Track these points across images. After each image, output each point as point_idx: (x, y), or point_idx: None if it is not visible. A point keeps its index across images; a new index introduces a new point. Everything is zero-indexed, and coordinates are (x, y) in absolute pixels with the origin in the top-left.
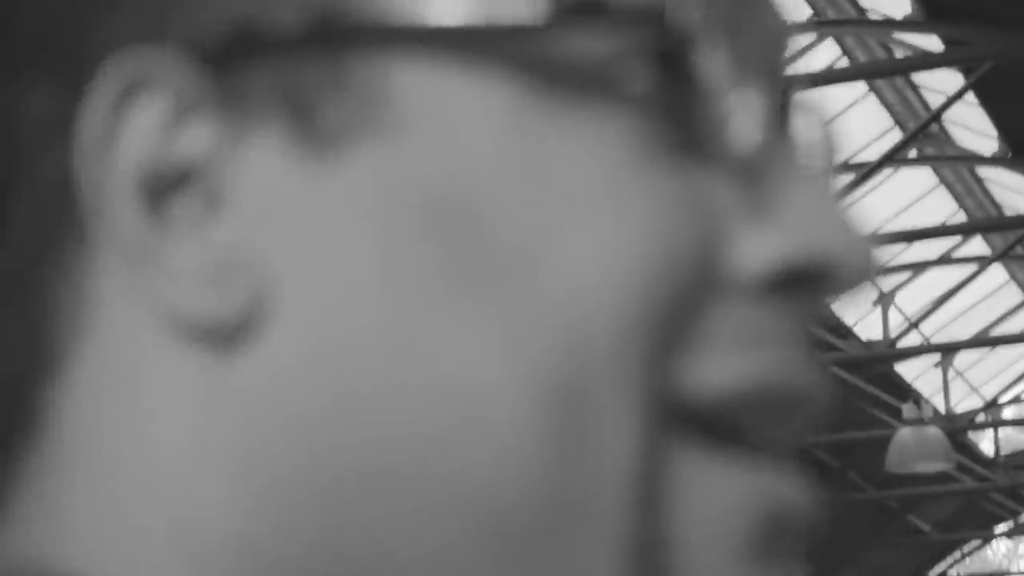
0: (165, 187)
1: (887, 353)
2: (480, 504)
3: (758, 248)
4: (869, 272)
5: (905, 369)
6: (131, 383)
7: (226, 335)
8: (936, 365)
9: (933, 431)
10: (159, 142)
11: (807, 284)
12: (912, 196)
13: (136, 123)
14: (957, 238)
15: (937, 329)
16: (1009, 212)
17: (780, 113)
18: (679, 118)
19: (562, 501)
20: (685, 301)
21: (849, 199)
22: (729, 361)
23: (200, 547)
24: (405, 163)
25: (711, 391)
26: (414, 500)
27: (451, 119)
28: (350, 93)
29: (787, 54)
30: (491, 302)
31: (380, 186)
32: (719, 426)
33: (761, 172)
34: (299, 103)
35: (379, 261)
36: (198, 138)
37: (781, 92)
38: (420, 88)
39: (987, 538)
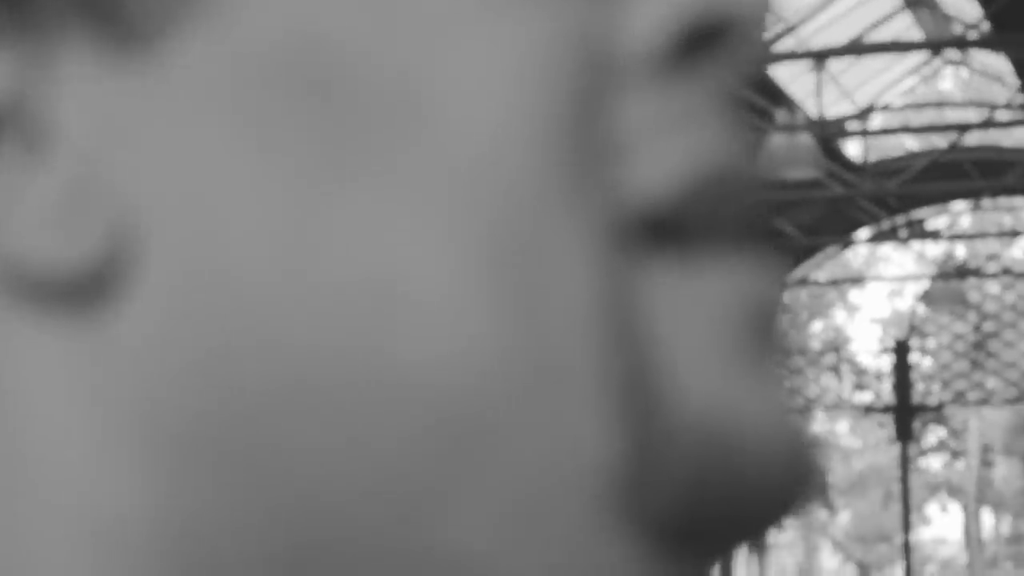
0: None
1: (762, 56)
2: (435, 399)
3: (648, 14)
4: (761, 19)
5: (780, 73)
6: None
7: (88, 285)
8: (811, 71)
9: (804, 138)
10: None
11: (713, 40)
12: None
13: None
14: None
15: (813, 33)
16: None
17: None
18: None
19: (530, 367)
20: (595, 98)
21: None
22: (663, 154)
23: (112, 534)
24: (239, 31)
25: (656, 191)
26: (355, 413)
27: None
28: None
29: None
30: (385, 163)
31: (219, 66)
32: (675, 227)
33: None
34: (95, 3)
35: (243, 152)
36: None
37: None
38: None
39: (847, 243)
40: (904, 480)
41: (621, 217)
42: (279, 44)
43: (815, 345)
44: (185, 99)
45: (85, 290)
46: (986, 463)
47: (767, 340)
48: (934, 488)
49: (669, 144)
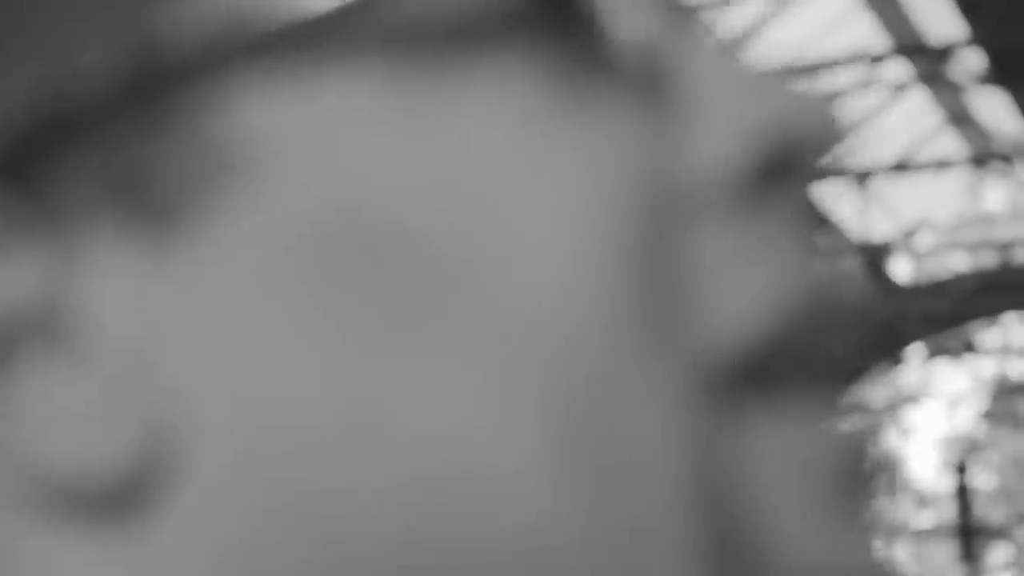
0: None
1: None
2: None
3: (716, 146)
4: (834, 126)
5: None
6: None
7: (126, 493)
8: (854, 190)
9: (849, 263)
10: None
11: (784, 167)
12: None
13: None
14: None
15: (857, 152)
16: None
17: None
18: (571, 45)
19: (615, 536)
20: (667, 239)
21: (764, 25)
22: (745, 290)
23: None
24: (277, 206)
25: (741, 331)
26: None
27: (315, 135)
28: (179, 148)
29: None
30: (451, 331)
31: (255, 240)
32: (762, 369)
33: (663, 68)
34: (123, 185)
35: (289, 326)
36: (21, 272)
37: None
38: (265, 112)
39: (898, 362)
40: None
41: (706, 363)
42: (319, 214)
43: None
44: (221, 278)
45: (123, 499)
46: None
47: (859, 483)
48: None
49: (750, 279)
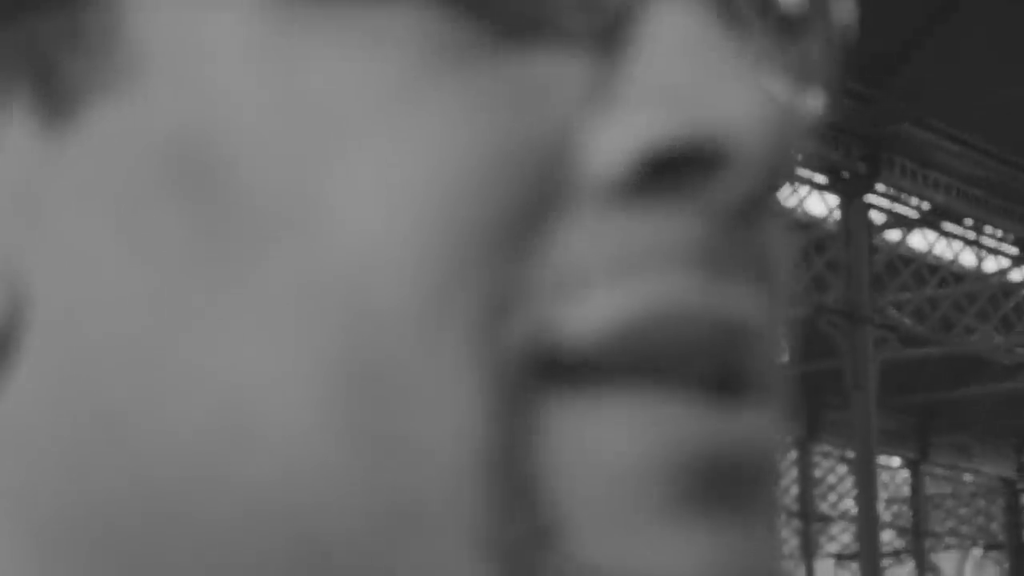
0: None
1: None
2: (281, 523)
3: (614, 136)
4: (772, 146)
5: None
6: None
7: None
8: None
9: None
10: None
11: (689, 174)
12: None
13: None
14: None
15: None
16: None
17: None
18: None
19: (390, 506)
20: (514, 225)
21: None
22: (599, 295)
23: None
24: (142, 114)
25: (579, 336)
26: (190, 537)
27: (190, 54)
28: (84, 40)
29: None
30: (255, 275)
31: (116, 151)
32: (603, 369)
33: (627, 41)
34: (38, 63)
35: (123, 241)
36: None
37: None
38: (155, 20)
39: None
40: None
41: (535, 354)
42: (173, 135)
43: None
44: (85, 170)
45: None
46: None
47: (715, 490)
48: None
49: (609, 286)
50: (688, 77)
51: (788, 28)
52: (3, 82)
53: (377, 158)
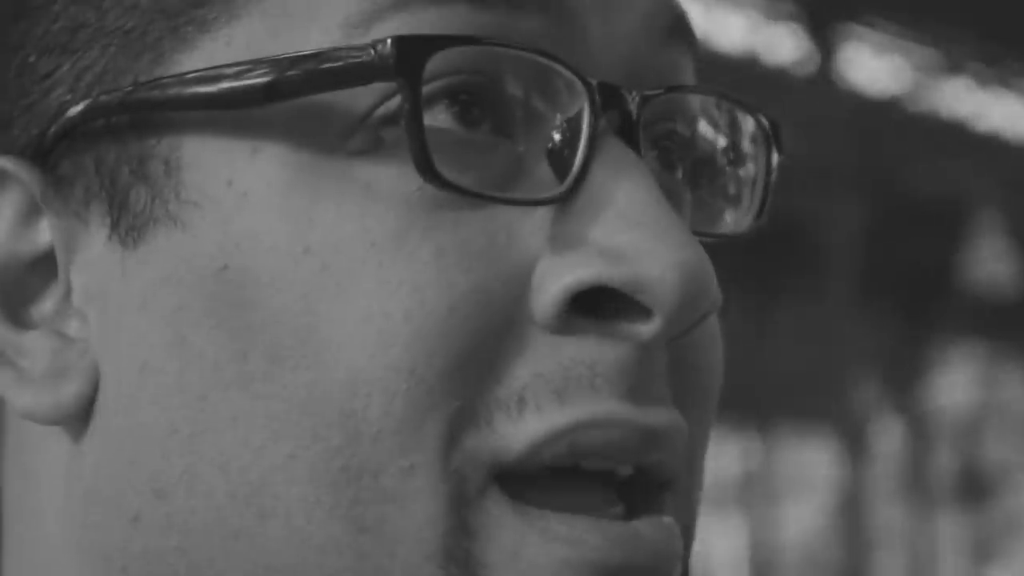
0: (27, 282)
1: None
2: None
3: (556, 275)
4: (692, 301)
5: None
6: (27, 470)
7: (69, 425)
8: None
9: None
10: (16, 238)
11: (623, 316)
12: None
13: None
14: None
15: None
16: None
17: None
18: (462, 158)
19: (366, 572)
20: (476, 354)
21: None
22: (536, 417)
23: None
24: (191, 247)
25: (518, 451)
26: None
27: (232, 197)
28: (151, 174)
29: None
30: (267, 386)
31: (172, 273)
32: (543, 482)
33: (583, 202)
34: (113, 190)
35: (172, 351)
36: (44, 232)
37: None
38: (207, 167)
39: None
40: None
41: (479, 462)
42: (219, 273)
43: None
44: (146, 288)
45: (71, 423)
46: None
47: None
48: None
49: (546, 410)
50: (626, 241)
51: (714, 166)
52: (80, 199)
53: (365, 300)
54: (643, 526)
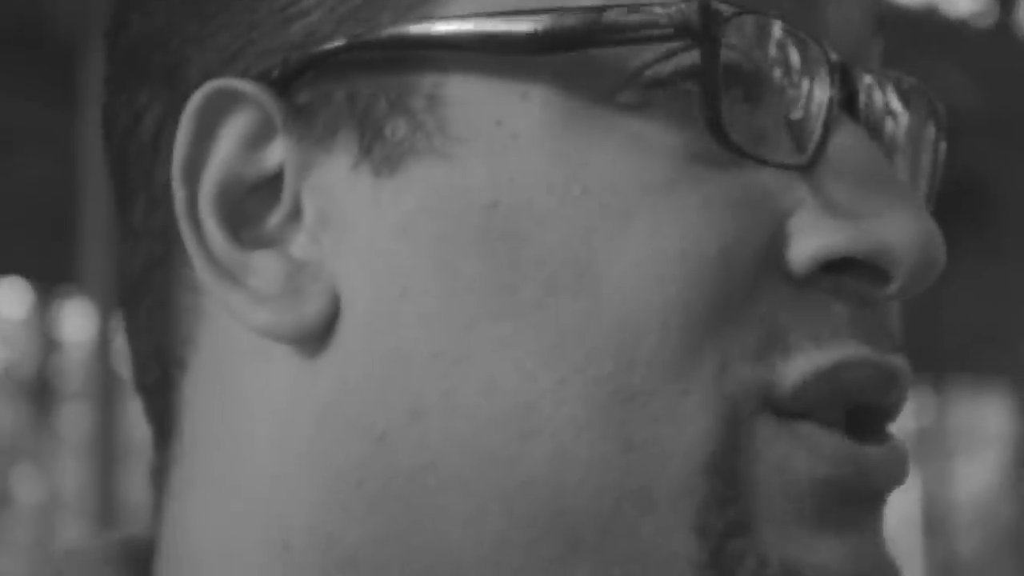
0: (247, 204)
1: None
2: (547, 499)
3: (809, 237)
4: (928, 269)
5: None
6: (232, 391)
7: (305, 343)
8: None
9: None
10: (242, 161)
11: (861, 276)
12: None
13: (220, 144)
14: None
15: None
16: None
17: (859, 103)
18: (733, 121)
19: (632, 492)
20: (740, 294)
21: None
22: (802, 356)
23: (287, 540)
24: (459, 181)
25: (791, 383)
26: (474, 502)
27: (501, 136)
28: (412, 108)
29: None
30: (540, 315)
31: (436, 204)
32: (795, 409)
33: (823, 169)
34: (366, 120)
35: (437, 278)
36: (275, 156)
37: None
38: (475, 106)
39: None
40: None
41: (746, 394)
42: (487, 207)
43: None
44: (403, 217)
45: (305, 344)
46: None
47: (857, 510)
48: None
49: (809, 350)
50: (871, 211)
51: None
52: (326, 126)
53: (641, 239)
54: (887, 452)
